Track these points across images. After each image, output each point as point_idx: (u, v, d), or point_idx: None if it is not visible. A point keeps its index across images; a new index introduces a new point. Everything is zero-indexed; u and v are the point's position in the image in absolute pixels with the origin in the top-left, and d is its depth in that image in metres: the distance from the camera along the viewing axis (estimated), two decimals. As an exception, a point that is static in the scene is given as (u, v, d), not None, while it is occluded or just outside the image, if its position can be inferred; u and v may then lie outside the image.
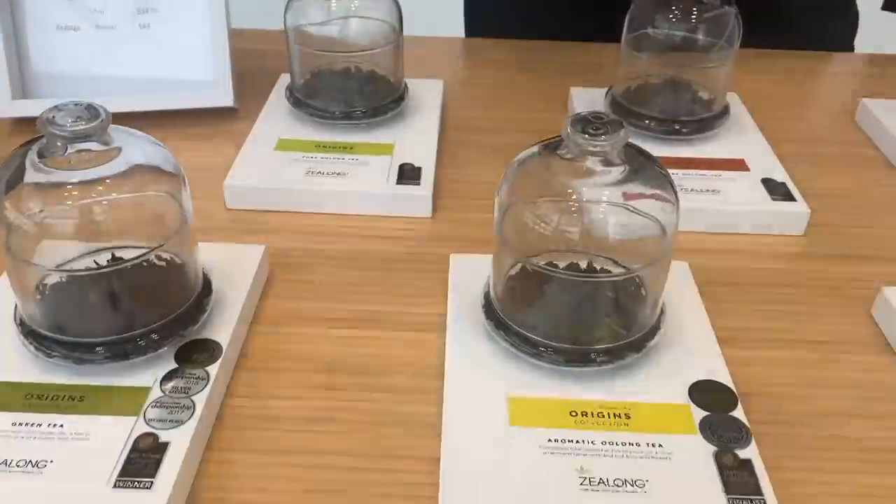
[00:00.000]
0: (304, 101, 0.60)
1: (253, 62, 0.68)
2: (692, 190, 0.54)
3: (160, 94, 0.62)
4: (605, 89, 0.64)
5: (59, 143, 0.36)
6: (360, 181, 0.54)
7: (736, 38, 0.58)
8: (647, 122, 0.59)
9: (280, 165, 0.55)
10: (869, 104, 0.67)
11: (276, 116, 0.61)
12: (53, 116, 0.35)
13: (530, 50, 0.77)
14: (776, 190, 0.54)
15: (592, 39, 0.75)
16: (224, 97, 0.63)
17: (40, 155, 0.36)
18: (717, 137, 0.60)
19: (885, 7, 0.77)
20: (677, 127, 0.59)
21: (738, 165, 0.57)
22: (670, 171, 0.54)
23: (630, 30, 0.59)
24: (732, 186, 0.54)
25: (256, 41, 0.73)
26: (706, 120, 0.60)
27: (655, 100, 0.60)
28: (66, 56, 0.63)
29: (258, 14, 0.78)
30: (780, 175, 0.56)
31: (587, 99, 0.64)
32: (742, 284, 0.48)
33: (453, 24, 0.88)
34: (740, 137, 0.60)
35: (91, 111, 0.36)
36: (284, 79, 0.65)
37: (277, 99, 0.63)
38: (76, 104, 0.35)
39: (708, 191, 0.54)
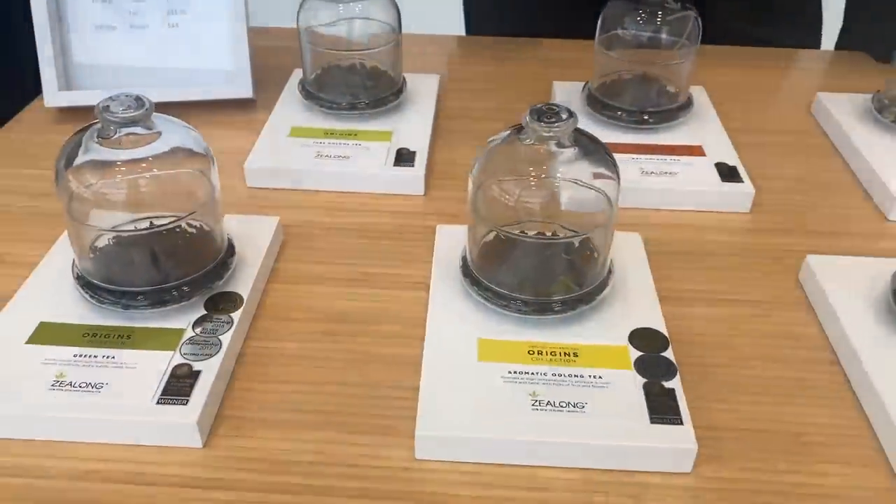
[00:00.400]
0: (314, 93, 0.68)
1: (269, 58, 0.76)
2: (652, 172, 0.61)
3: (187, 86, 0.70)
4: (583, 83, 0.71)
5: (112, 128, 0.44)
6: (362, 163, 0.62)
7: (696, 37, 0.65)
8: (619, 112, 0.67)
9: (293, 149, 0.63)
10: (823, 98, 0.74)
11: (290, 107, 0.69)
12: (108, 105, 0.43)
13: (518, 47, 0.85)
14: (727, 173, 0.62)
15: (575, 36, 0.82)
16: (244, 89, 0.71)
17: (98, 136, 0.44)
18: (680, 126, 0.67)
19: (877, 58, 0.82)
20: (645, 117, 0.66)
21: (696, 151, 0.64)
22: (635, 155, 0.63)
23: (602, 31, 0.67)
24: (688, 169, 0.62)
25: (272, 38, 0.81)
26: (671, 111, 0.67)
27: (626, 93, 0.68)
28: (104, 52, 0.71)
29: (275, 14, 0.86)
30: (732, 159, 0.63)
31: (567, 91, 0.72)
32: (688, 254, 0.56)
33: (451, 24, 0.96)
34: (701, 126, 0.68)
35: (138, 101, 0.44)
36: (297, 73, 0.73)
37: (291, 91, 0.71)
38: (126, 95, 0.44)
39: (666, 173, 0.61)
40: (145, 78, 0.71)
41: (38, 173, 0.63)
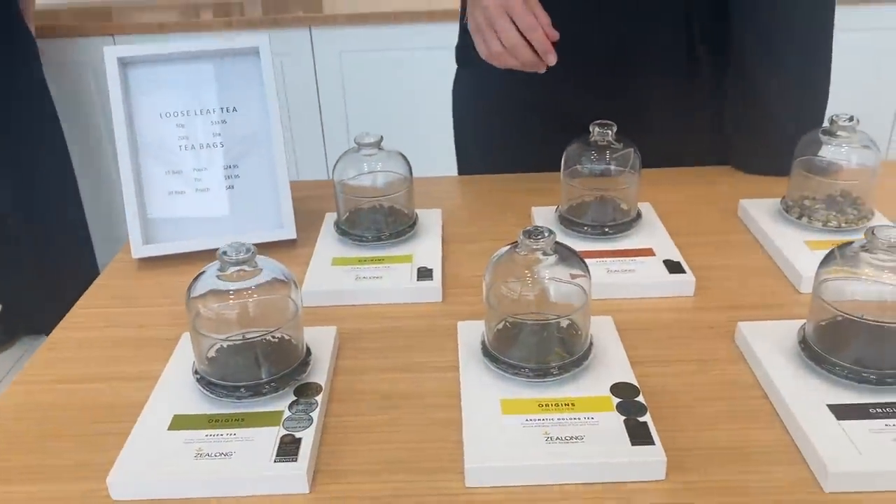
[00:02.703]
0: (347, 230, 0.86)
1: (302, 204, 0.95)
2: (615, 271, 0.80)
3: (243, 232, 0.88)
4: (555, 207, 0.91)
5: (227, 267, 0.61)
6: (392, 281, 0.79)
7: (638, 166, 0.86)
8: (585, 228, 0.86)
9: (336, 275, 0.81)
10: (745, 203, 0.94)
11: (328, 242, 0.87)
12: (226, 252, 0.61)
13: (500, 181, 1.05)
14: (673, 267, 0.80)
15: (548, 169, 1.03)
16: (289, 232, 0.89)
17: (217, 272, 0.61)
18: (633, 234, 0.86)
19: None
20: (605, 230, 0.85)
21: (648, 252, 0.83)
22: (601, 259, 0.81)
23: (566, 167, 0.87)
24: (643, 267, 0.80)
25: (304, 189, 1.00)
26: (625, 223, 0.86)
27: (589, 212, 0.87)
28: (176, 211, 0.90)
29: (308, 170, 1.05)
30: (676, 256, 0.82)
31: (543, 214, 0.91)
32: (649, 329, 0.73)
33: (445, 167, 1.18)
34: (649, 233, 0.87)
35: (246, 247, 0.61)
36: (329, 216, 0.92)
37: (327, 229, 0.89)
38: (238, 244, 0.61)
39: (626, 270, 0.80)
40: (209, 228, 0.89)
41: (134, 310, 0.80)
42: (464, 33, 1.07)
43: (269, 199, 0.90)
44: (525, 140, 1.10)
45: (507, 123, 1.10)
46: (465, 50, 1.08)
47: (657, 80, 1.02)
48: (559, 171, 0.88)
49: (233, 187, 0.91)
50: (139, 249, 0.87)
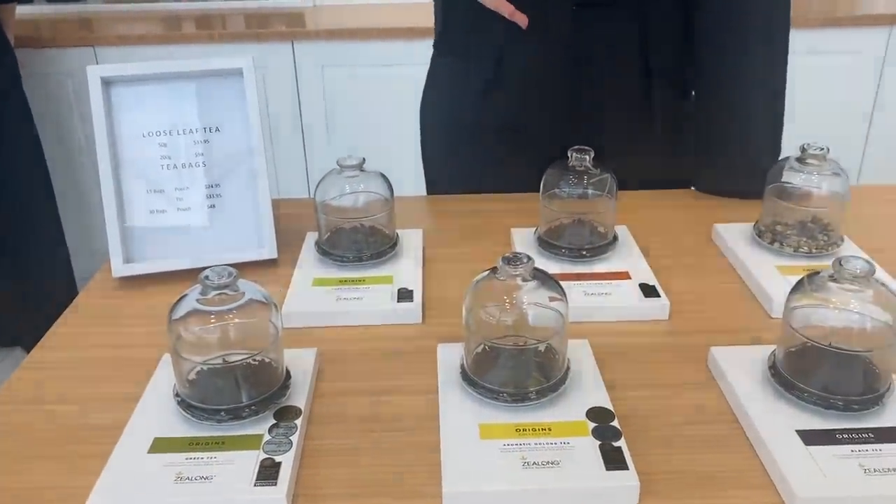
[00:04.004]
0: (328, 251, 0.87)
1: (284, 224, 0.96)
2: (592, 294, 0.81)
3: (224, 252, 0.89)
4: (534, 228, 0.92)
5: (209, 291, 0.62)
6: (372, 302, 0.80)
7: (614, 191, 0.87)
8: (562, 250, 0.87)
9: (317, 296, 0.81)
10: (719, 228, 0.96)
11: (309, 262, 0.88)
12: (207, 276, 0.62)
13: (480, 202, 1.07)
14: (648, 291, 0.82)
15: (516, 186, 1.05)
16: (270, 252, 0.90)
17: (199, 296, 0.62)
18: (609, 258, 0.88)
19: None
20: (583, 253, 0.87)
21: (624, 276, 0.85)
22: (577, 282, 0.82)
23: (544, 190, 0.89)
24: (619, 290, 0.82)
25: (285, 208, 1.01)
26: (601, 246, 0.88)
27: (566, 235, 0.89)
28: (157, 230, 0.90)
29: (289, 185, 1.05)
30: (651, 280, 0.84)
31: (522, 236, 0.93)
32: (624, 353, 0.75)
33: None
34: (626, 257, 0.89)
35: (228, 271, 0.62)
36: (310, 235, 0.93)
37: (308, 250, 0.90)
38: (221, 267, 0.62)
39: (602, 293, 0.81)
40: (190, 247, 0.89)
41: (114, 330, 0.80)
42: (444, 21, 1.10)
43: (250, 218, 0.91)
44: (488, 164, 1.12)
45: (473, 148, 1.12)
46: (446, 37, 1.10)
47: (615, 108, 1.06)
48: (533, 192, 0.90)
49: (214, 206, 0.91)
50: (120, 269, 0.87)
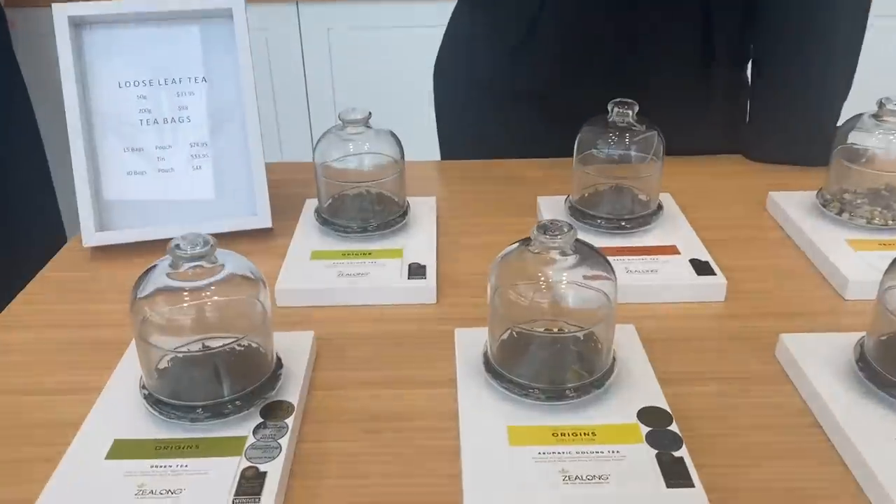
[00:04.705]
0: (329, 220, 0.76)
1: (279, 188, 0.84)
2: (636, 271, 0.70)
3: (211, 219, 0.78)
4: (565, 197, 0.81)
5: (181, 263, 0.51)
6: (379, 279, 0.69)
7: (661, 153, 0.76)
8: (598, 221, 0.76)
9: (316, 271, 0.70)
10: (775, 196, 0.84)
11: (308, 233, 0.76)
12: (178, 244, 0.50)
13: (500, 168, 0.95)
14: (701, 268, 0.70)
15: (555, 155, 0.93)
16: (263, 221, 0.79)
17: (169, 268, 0.51)
18: (654, 229, 0.76)
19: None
20: (622, 224, 0.75)
21: (671, 251, 0.73)
22: (618, 257, 0.71)
23: (579, 151, 0.77)
24: (667, 267, 0.70)
25: (280, 172, 0.89)
26: (644, 216, 0.76)
27: (603, 204, 0.77)
28: (135, 194, 0.79)
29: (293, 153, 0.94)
30: (703, 255, 0.72)
31: (551, 205, 0.81)
32: (676, 340, 0.63)
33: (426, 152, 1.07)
34: (672, 228, 0.77)
35: (203, 240, 0.51)
36: (309, 203, 0.82)
37: (306, 219, 0.79)
38: (194, 235, 0.51)
39: (648, 270, 0.70)
40: (173, 214, 0.78)
41: (83, 307, 0.69)
42: None
43: (241, 182, 0.80)
44: (514, 131, 1.00)
45: (496, 113, 1.00)
46: None
47: (667, 75, 0.92)
48: (557, 158, 0.78)
49: (200, 168, 0.80)
50: (91, 237, 0.76)
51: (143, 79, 0.79)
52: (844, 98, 0.92)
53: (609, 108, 0.74)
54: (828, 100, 0.91)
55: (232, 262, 0.53)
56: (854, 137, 0.78)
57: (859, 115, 0.78)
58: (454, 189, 0.92)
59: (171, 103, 0.79)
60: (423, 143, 1.07)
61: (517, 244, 0.55)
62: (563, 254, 0.53)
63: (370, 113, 0.74)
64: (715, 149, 0.97)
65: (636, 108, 0.74)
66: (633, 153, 0.75)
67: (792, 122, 0.93)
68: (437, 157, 1.08)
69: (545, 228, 0.52)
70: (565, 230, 0.52)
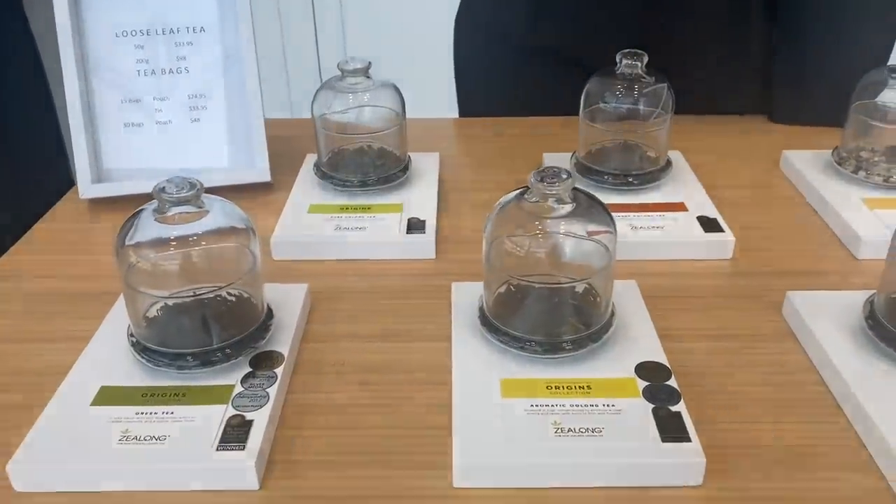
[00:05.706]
0: (328, 173, 0.74)
1: (280, 145, 0.83)
2: (642, 227, 0.68)
3: (210, 172, 0.76)
4: (571, 153, 0.78)
5: (167, 206, 0.49)
6: (378, 233, 0.67)
7: (670, 107, 0.73)
8: (605, 177, 0.74)
9: (313, 224, 0.69)
10: (789, 154, 0.81)
11: (307, 187, 0.75)
12: (164, 187, 0.49)
13: (506, 124, 0.93)
14: (708, 224, 0.68)
15: (560, 112, 0.90)
16: (262, 174, 0.77)
17: (154, 213, 0.50)
18: (662, 186, 0.74)
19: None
20: (630, 180, 0.73)
21: (679, 207, 0.71)
22: (625, 213, 0.69)
23: (585, 105, 0.74)
24: (674, 223, 0.68)
25: (284, 128, 0.88)
26: (652, 173, 0.74)
27: (611, 159, 0.75)
28: (133, 146, 0.78)
29: (285, 106, 0.93)
30: (712, 212, 0.70)
31: (557, 161, 0.78)
32: (681, 297, 0.61)
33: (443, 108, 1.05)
34: (681, 185, 0.75)
35: (189, 183, 0.50)
36: (309, 158, 0.80)
37: (306, 173, 0.77)
38: (180, 178, 0.49)
39: (654, 227, 0.68)
40: (171, 167, 0.77)
41: (78, 259, 0.68)
42: None
43: (239, 134, 0.78)
44: (536, 83, 0.97)
45: (517, 65, 0.97)
46: None
47: (695, 24, 0.89)
48: (575, 115, 0.76)
49: (199, 120, 0.78)
50: (87, 189, 0.75)
51: (141, 28, 0.77)
52: (886, 59, 0.87)
53: (617, 59, 0.72)
54: (860, 58, 0.87)
55: (220, 207, 0.52)
56: (873, 93, 0.75)
57: (879, 69, 0.75)
58: (457, 146, 0.90)
59: (168, 53, 0.78)
60: (446, 99, 1.04)
61: (514, 193, 0.53)
62: (561, 202, 0.51)
63: (370, 63, 0.72)
64: (740, 109, 0.94)
65: (645, 59, 0.71)
66: (641, 107, 0.73)
67: (817, 83, 0.89)
68: (453, 112, 1.04)
69: (543, 176, 0.50)
70: (563, 177, 0.50)
